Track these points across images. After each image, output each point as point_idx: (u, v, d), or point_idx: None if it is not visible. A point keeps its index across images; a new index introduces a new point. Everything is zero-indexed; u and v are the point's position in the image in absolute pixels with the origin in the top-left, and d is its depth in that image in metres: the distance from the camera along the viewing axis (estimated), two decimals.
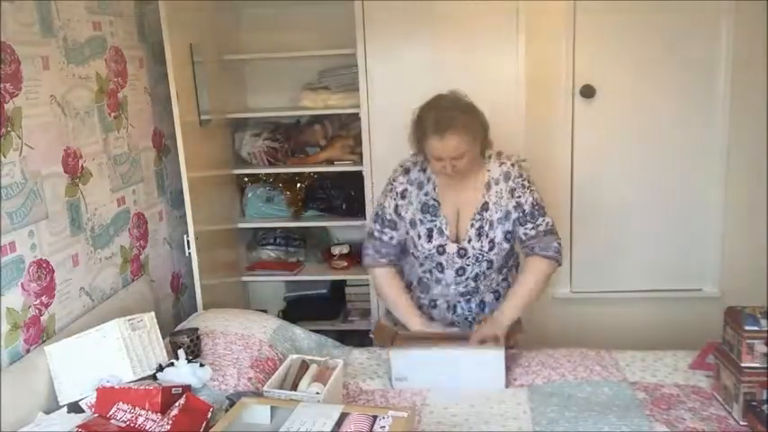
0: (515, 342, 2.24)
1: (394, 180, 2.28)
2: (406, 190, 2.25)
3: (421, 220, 2.23)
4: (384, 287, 2.33)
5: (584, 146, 3.32)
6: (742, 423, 1.82)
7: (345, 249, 3.40)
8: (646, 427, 1.83)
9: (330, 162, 3.29)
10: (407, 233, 2.27)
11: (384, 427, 1.63)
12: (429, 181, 2.23)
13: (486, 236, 2.20)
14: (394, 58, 2.94)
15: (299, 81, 3.34)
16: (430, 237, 2.22)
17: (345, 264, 3.38)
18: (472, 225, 2.20)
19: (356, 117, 3.15)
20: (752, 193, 3.28)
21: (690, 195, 3.33)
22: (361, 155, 3.13)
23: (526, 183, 2.20)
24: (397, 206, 2.25)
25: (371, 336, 2.42)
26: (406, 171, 2.26)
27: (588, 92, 3.25)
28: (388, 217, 2.26)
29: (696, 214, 3.35)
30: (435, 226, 2.22)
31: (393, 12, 2.90)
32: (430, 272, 2.30)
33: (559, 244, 2.23)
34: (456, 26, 2.89)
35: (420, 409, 1.98)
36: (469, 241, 2.20)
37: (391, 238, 2.28)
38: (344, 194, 3.34)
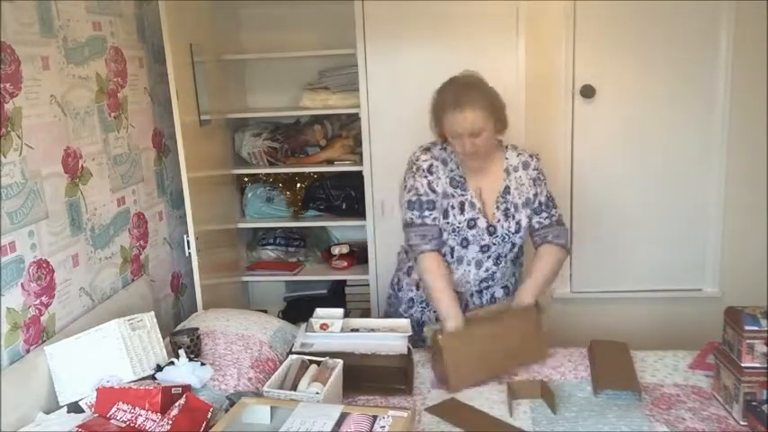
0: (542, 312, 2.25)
1: (416, 160, 2.29)
2: (432, 165, 2.26)
3: (452, 194, 2.25)
4: (431, 274, 2.22)
5: (584, 146, 3.32)
6: (742, 423, 1.82)
7: (345, 249, 3.41)
8: (646, 426, 1.83)
9: (330, 162, 3.30)
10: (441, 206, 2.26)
11: (384, 427, 1.63)
12: (451, 159, 2.27)
13: (513, 217, 2.27)
14: (394, 58, 2.95)
15: (299, 81, 3.34)
16: (462, 209, 2.25)
17: (345, 264, 3.39)
18: (498, 207, 2.26)
19: (356, 117, 3.15)
20: (752, 193, 3.28)
21: (690, 195, 3.33)
22: (361, 155, 3.13)
23: (542, 176, 2.33)
24: (429, 182, 2.25)
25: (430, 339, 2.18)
26: (427, 150, 2.30)
27: (588, 92, 3.25)
28: (425, 198, 2.25)
29: (696, 214, 3.34)
30: (466, 199, 2.25)
31: (393, 12, 2.90)
32: (452, 251, 2.29)
33: (568, 233, 2.37)
34: (456, 26, 2.89)
35: (420, 409, 1.98)
36: (498, 221, 2.26)
37: (435, 219, 2.25)
38: (344, 194, 3.35)
